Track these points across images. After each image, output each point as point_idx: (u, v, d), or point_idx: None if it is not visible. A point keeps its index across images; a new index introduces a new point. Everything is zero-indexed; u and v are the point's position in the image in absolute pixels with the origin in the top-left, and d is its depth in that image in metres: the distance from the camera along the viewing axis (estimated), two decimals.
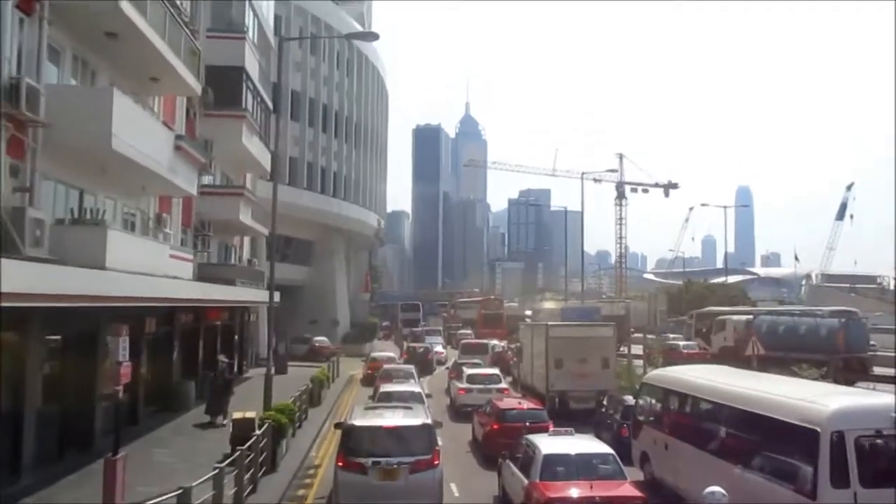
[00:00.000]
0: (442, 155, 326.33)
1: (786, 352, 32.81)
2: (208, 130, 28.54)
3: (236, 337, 35.29)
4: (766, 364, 34.03)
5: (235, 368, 34.52)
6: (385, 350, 53.81)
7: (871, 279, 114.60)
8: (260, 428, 16.12)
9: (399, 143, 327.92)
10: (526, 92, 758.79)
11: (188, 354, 26.64)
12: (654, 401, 15.81)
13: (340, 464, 12.64)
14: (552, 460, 12.07)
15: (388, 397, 20.42)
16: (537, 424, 17.27)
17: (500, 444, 16.24)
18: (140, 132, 16.90)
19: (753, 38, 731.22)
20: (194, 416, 22.68)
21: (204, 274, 27.66)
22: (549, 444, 12.79)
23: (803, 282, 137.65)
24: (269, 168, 37.25)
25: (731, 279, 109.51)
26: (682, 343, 40.41)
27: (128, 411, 20.61)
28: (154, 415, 22.03)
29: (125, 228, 20.22)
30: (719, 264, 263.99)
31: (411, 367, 29.82)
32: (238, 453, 13.25)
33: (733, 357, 36.49)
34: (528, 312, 74.02)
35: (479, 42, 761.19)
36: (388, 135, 77.75)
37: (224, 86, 28.95)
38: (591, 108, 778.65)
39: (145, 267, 16.90)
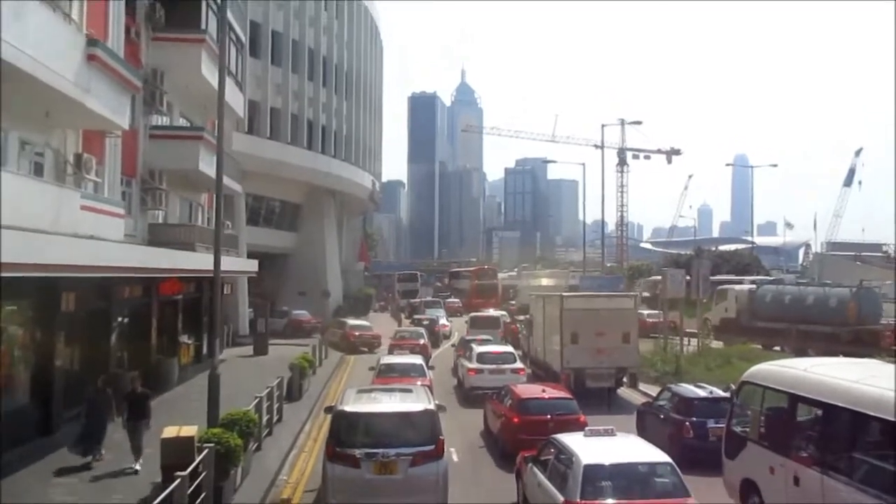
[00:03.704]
0: (438, 123, 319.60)
1: (791, 323, 31.92)
2: (159, 59, 23.04)
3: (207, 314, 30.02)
4: (775, 337, 32.23)
5: (205, 350, 29.34)
6: (379, 322, 49.77)
7: (876, 247, 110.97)
8: (199, 452, 11.04)
9: (394, 111, 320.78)
10: (523, 59, 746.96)
11: (136, 338, 21.41)
12: (767, 409, 11.23)
13: (330, 456, 10.87)
14: (595, 472, 9.52)
15: (390, 369, 19.92)
16: (565, 416, 14.86)
17: (520, 440, 14.01)
18: (13, 18, 11.40)
19: (758, 1, 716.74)
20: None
21: (157, 236, 22.53)
22: (588, 449, 10.10)
23: (801, 249, 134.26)
24: (241, 113, 31.86)
25: (729, 247, 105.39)
26: (645, 312, 37.13)
27: (37, 418, 15.51)
28: (80, 420, 16.68)
29: (29, 172, 14.85)
30: (715, 233, 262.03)
31: (421, 329, 33.01)
32: None
33: (735, 330, 35.19)
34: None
35: (474, 8, 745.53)
36: (384, 91, 71.61)
37: (178, 4, 23.45)
38: (590, 75, 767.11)
39: (29, 220, 11.53)
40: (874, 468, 8.77)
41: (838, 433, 9.50)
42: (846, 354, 20.35)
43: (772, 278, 55.03)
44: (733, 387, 12.97)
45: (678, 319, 30.13)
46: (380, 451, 10.71)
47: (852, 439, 9.29)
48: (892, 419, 8.39)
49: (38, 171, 15.64)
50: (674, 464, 9.74)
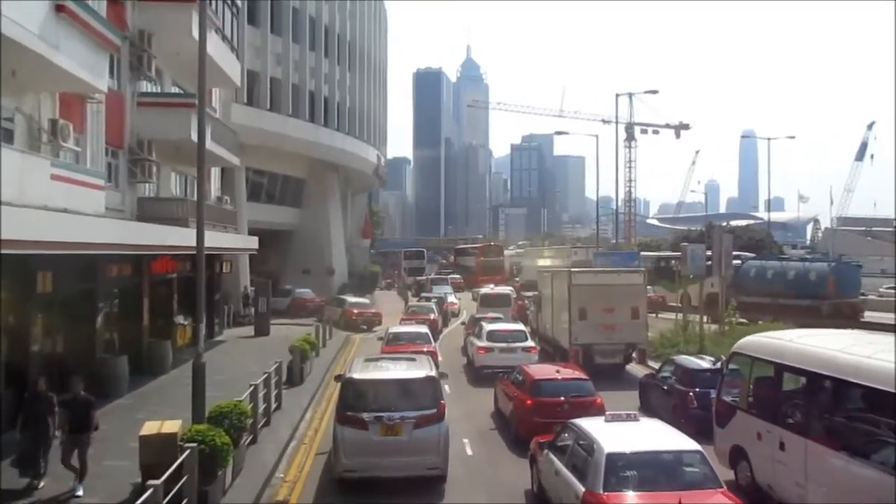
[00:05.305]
0: (443, 100, 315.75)
1: (774, 297, 32.80)
2: (147, 21, 21.52)
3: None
4: (758, 311, 31.93)
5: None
6: (385, 301, 48.77)
7: (887, 222, 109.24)
8: (182, 452, 9.71)
9: (399, 89, 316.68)
10: (529, 35, 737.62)
11: (125, 320, 20.13)
12: (756, 379, 11.59)
13: (340, 419, 11.73)
14: (619, 461, 8.94)
15: (397, 338, 21.83)
16: (580, 398, 14.38)
17: (533, 424, 13.62)
18: None
19: None
20: (124, 410, 16.26)
21: (146, 211, 21.19)
22: (610, 436, 9.47)
23: (809, 225, 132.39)
24: (238, 82, 30.21)
25: (737, 223, 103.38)
26: None
27: (11, 408, 14.19)
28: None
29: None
30: (722, 209, 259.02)
31: (432, 304, 35.21)
32: None
33: (720, 305, 33.51)
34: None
35: None
36: (388, 66, 69.56)
37: None
38: (597, 50, 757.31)
39: None
40: (856, 432, 9.22)
41: (822, 400, 9.91)
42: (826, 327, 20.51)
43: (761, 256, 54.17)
44: (724, 358, 13.38)
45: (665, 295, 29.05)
46: (385, 414, 11.51)
47: (835, 405, 9.73)
48: (872, 385, 8.75)
49: (8, 139, 14.21)
50: (703, 452, 9.21)
